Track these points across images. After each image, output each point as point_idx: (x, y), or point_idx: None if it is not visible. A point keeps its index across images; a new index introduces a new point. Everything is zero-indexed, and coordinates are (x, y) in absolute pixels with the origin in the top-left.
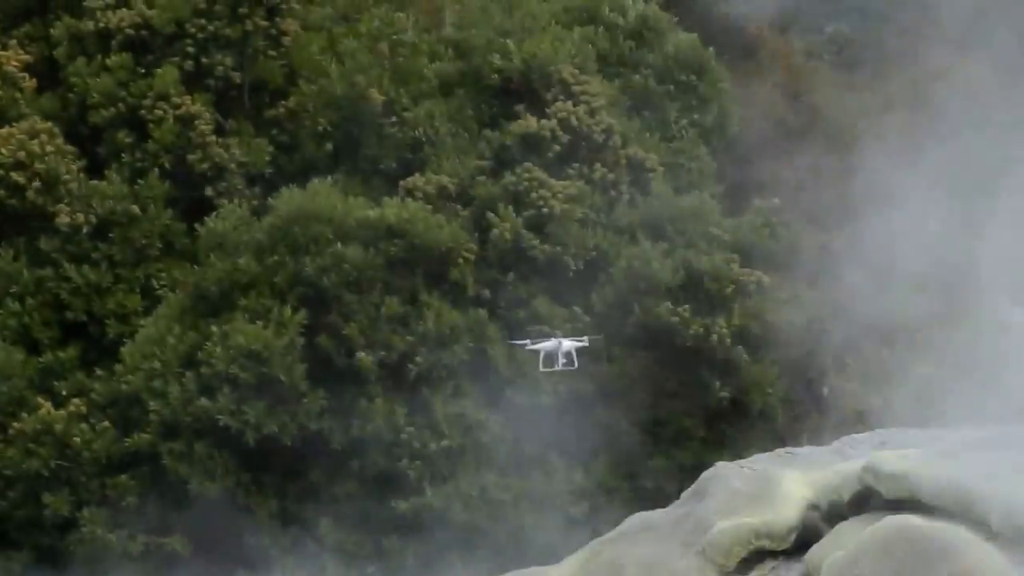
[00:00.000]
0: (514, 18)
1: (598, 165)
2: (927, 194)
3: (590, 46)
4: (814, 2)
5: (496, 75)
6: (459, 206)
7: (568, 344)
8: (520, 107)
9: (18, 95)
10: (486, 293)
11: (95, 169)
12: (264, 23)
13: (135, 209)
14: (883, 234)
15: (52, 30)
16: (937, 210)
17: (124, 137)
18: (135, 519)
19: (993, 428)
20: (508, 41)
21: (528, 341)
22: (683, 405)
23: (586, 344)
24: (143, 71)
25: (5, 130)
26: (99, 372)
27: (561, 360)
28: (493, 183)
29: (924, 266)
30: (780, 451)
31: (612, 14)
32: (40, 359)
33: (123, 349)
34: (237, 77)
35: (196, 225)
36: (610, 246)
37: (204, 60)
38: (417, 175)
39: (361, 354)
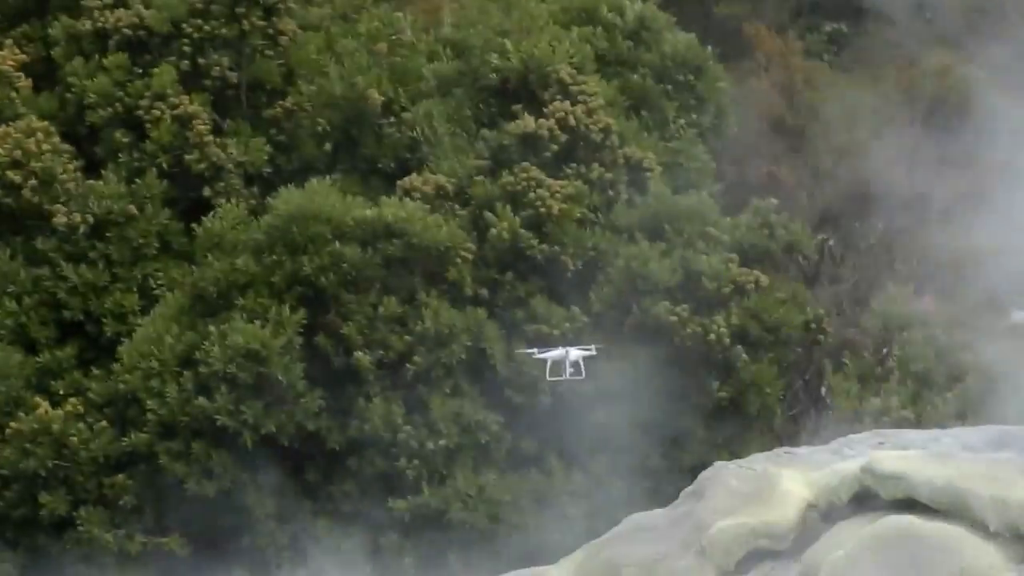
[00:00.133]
0: (512, 18)
1: (596, 165)
2: (927, 193)
3: (588, 46)
4: (813, 1)
5: (494, 75)
6: (457, 206)
7: (575, 353)
8: (518, 107)
9: (14, 95)
10: (484, 293)
11: (92, 169)
12: (261, 23)
13: (132, 209)
14: (883, 232)
15: (50, 30)
16: (936, 208)
17: (121, 137)
18: (132, 519)
19: (991, 428)
20: (506, 41)
21: (535, 350)
22: (681, 405)
23: (593, 353)
24: (140, 71)
25: (1, 129)
26: (96, 372)
27: (568, 369)
28: (491, 183)
29: (925, 265)
30: (779, 451)
31: (610, 14)
32: (37, 359)
33: (120, 348)
34: (234, 77)
35: (194, 225)
36: (608, 246)
37: (201, 60)
38: (415, 175)
39: (359, 354)
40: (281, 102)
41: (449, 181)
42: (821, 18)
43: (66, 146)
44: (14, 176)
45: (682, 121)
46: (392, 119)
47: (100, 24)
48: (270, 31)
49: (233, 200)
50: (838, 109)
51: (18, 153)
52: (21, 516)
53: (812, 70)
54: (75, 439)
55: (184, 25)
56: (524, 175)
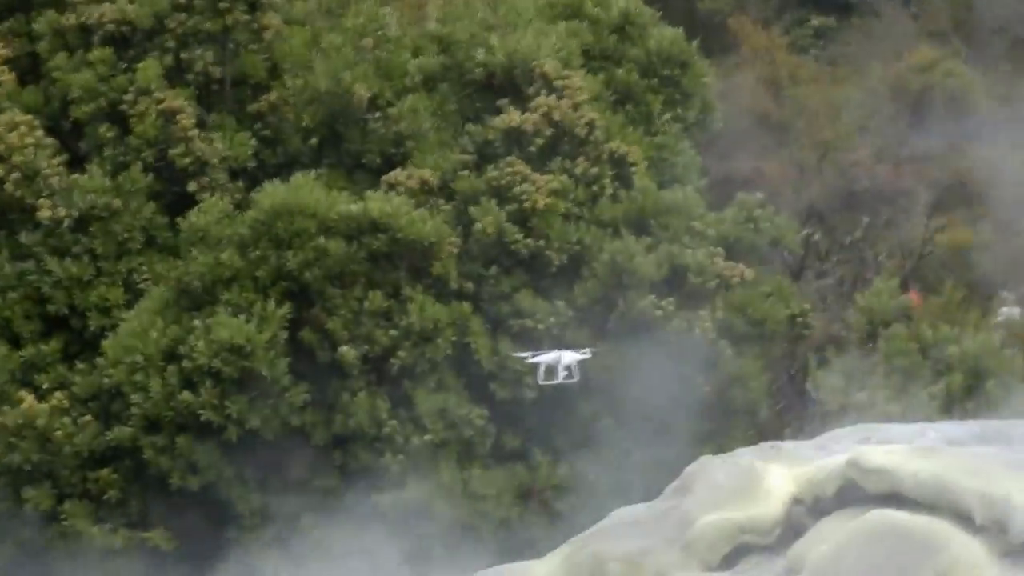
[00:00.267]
0: (498, 13)
1: (581, 159)
2: (912, 187)
3: (573, 41)
4: None
5: (479, 70)
6: (442, 200)
7: (569, 357)
8: (503, 101)
9: None
10: (469, 287)
11: (76, 163)
12: (245, 17)
13: (117, 203)
14: (868, 226)
15: (35, 25)
16: (921, 203)
17: (106, 131)
18: (117, 513)
19: (975, 423)
20: (491, 36)
21: (529, 354)
22: (666, 399)
23: (588, 356)
24: (124, 66)
25: None
26: (81, 366)
27: (562, 373)
28: (476, 177)
29: (910, 260)
30: (764, 445)
31: (595, 9)
32: (21, 353)
33: (105, 343)
34: (218, 72)
35: (178, 219)
36: (593, 240)
37: (185, 55)
38: (400, 170)
39: (344, 348)
40: (266, 97)
41: (434, 176)
42: (807, 13)
43: (50, 140)
44: None
45: (667, 116)
46: (377, 114)
47: (84, 19)
48: (254, 26)
49: (218, 194)
50: (823, 104)
51: (1, 147)
52: (5, 510)
53: (797, 65)
54: (59, 433)
55: (168, 20)
56: (509, 170)
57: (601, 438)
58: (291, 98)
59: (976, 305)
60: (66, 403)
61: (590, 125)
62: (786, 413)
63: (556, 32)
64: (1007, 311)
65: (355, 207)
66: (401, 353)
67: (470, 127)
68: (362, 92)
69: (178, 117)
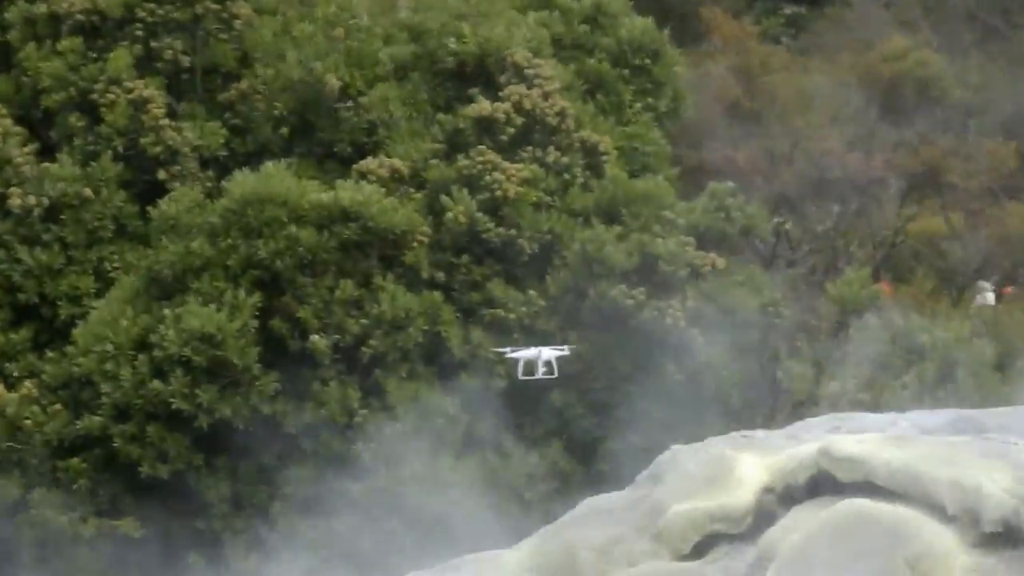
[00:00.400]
0: (469, 2)
1: (552, 148)
2: (883, 176)
3: (545, 30)
4: None
5: (451, 59)
6: (413, 189)
7: (548, 353)
8: (474, 91)
9: None
10: (440, 276)
11: (47, 152)
12: (215, 6)
13: (87, 192)
14: (840, 215)
15: (6, 14)
16: (892, 192)
17: (76, 121)
18: (86, 502)
19: (949, 412)
20: (463, 25)
21: (509, 349)
22: (637, 388)
23: (566, 353)
24: (95, 55)
25: None
26: (51, 354)
27: (541, 369)
28: (447, 166)
29: (882, 248)
30: (735, 434)
31: None
32: None
33: (75, 331)
34: (188, 61)
35: (149, 208)
36: (564, 229)
37: (154, 44)
38: (371, 158)
39: (315, 337)
40: (236, 86)
41: (405, 164)
42: (779, 2)
43: (20, 129)
44: None
45: (638, 105)
46: (348, 103)
47: (55, 9)
48: (224, 15)
49: (188, 183)
50: (795, 93)
51: None
52: None
53: (769, 54)
54: (29, 422)
55: (138, 9)
56: (480, 158)
57: (572, 426)
58: (262, 87)
59: (947, 294)
60: (36, 392)
61: (561, 114)
62: (757, 402)
63: (528, 22)
64: (981, 299)
65: (326, 196)
66: (372, 342)
67: (441, 116)
68: (333, 81)
69: (148, 106)
